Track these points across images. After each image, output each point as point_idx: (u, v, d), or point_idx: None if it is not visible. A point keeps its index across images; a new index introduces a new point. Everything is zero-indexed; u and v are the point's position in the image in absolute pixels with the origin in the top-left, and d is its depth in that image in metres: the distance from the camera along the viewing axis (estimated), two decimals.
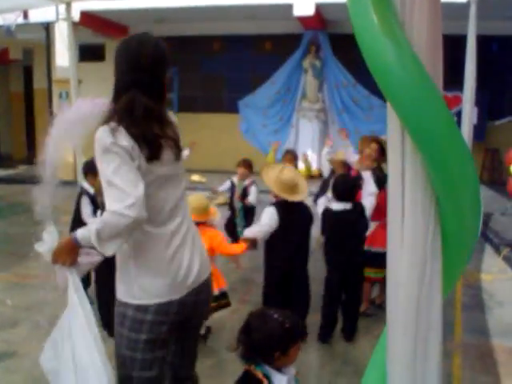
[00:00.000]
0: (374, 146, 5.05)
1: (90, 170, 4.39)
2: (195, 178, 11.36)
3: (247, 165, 6.40)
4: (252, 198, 6.18)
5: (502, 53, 11.60)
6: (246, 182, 6.29)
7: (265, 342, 2.11)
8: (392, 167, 1.66)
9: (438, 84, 1.57)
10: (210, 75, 13.18)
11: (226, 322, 4.24)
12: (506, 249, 6.23)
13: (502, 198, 9.82)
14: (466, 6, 7.00)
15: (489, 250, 6.74)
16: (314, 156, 12.25)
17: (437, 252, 1.61)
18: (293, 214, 4.00)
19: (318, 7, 10.93)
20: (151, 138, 2.02)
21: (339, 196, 4.19)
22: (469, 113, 6.49)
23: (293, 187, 3.96)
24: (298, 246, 4.02)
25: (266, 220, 3.95)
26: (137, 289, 2.10)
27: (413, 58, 1.50)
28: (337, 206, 4.21)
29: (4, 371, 3.70)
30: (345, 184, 4.25)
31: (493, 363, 3.70)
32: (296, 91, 12.70)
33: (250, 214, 6.33)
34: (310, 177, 11.43)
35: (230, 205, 6.47)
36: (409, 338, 1.64)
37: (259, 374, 2.11)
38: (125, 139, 1.95)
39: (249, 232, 3.97)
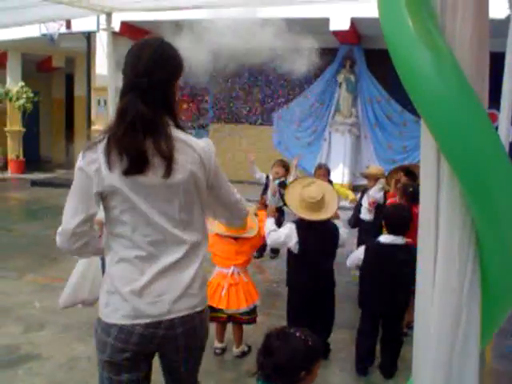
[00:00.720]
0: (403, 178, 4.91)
1: None
2: None
3: (283, 164, 6.58)
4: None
5: None
6: (282, 179, 6.44)
7: (289, 362, 2.02)
8: (424, 196, 1.44)
9: (482, 100, 1.31)
10: (245, 88, 13.33)
11: (249, 336, 4.25)
12: None
13: None
14: (504, 23, 6.91)
15: None
16: (346, 170, 12.24)
17: (475, 298, 1.36)
18: (316, 234, 3.83)
19: (354, 22, 10.97)
20: (133, 150, 1.86)
21: (391, 228, 3.78)
22: (505, 131, 6.39)
23: (315, 205, 3.76)
24: (319, 269, 3.88)
25: (282, 238, 3.87)
26: (103, 304, 2.03)
27: (454, 68, 1.23)
28: (385, 238, 3.79)
29: (26, 373, 3.77)
30: (399, 214, 3.80)
31: None
32: (330, 105, 12.73)
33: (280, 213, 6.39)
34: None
35: (261, 200, 6.55)
36: None
37: None
38: (94, 161, 1.89)
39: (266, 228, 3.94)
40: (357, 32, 11.79)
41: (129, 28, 11.94)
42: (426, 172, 1.42)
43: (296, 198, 3.86)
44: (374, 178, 5.34)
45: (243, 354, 4.06)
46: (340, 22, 10.77)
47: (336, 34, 11.46)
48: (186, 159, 1.95)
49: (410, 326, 4.56)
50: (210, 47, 11.71)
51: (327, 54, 12.34)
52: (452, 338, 1.36)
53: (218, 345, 4.09)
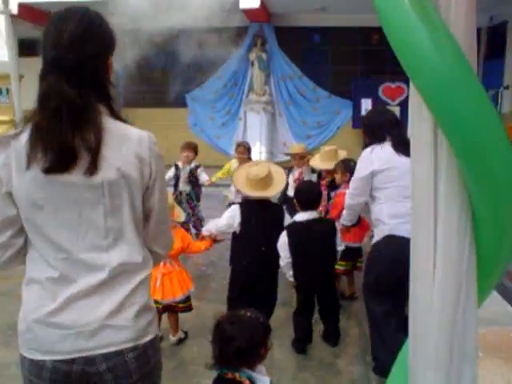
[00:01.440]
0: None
1: None
2: None
3: (191, 147, 6.28)
4: (202, 177, 6.23)
5: None
6: (192, 165, 6.25)
7: (250, 343, 2.01)
8: (418, 177, 1.41)
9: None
10: (155, 70, 13.01)
11: (183, 322, 4.20)
12: None
13: None
14: None
15: None
16: (263, 148, 12.33)
17: (472, 278, 1.41)
18: (258, 215, 3.77)
19: (263, 0, 10.97)
20: (57, 143, 1.51)
21: (303, 204, 3.77)
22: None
23: (261, 182, 3.69)
24: (262, 250, 3.79)
25: (224, 220, 3.80)
26: (18, 331, 1.67)
27: (451, 42, 1.22)
28: (302, 216, 3.78)
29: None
30: (310, 191, 3.83)
31: None
32: (243, 84, 12.72)
33: (198, 198, 6.36)
34: None
35: (175, 190, 6.30)
36: (441, 373, 1.45)
37: (246, 382, 2.00)
38: (5, 156, 1.56)
39: (206, 230, 3.90)
40: (267, 10, 11.79)
41: (28, 10, 11.29)
42: (420, 150, 1.39)
43: (243, 177, 3.82)
44: (298, 157, 5.41)
45: (180, 341, 4.01)
46: (249, 0, 10.73)
47: (246, 12, 11.41)
48: (117, 156, 1.58)
49: (346, 297, 4.78)
50: (115, 29, 11.33)
51: (238, 33, 12.32)
52: (453, 316, 1.42)
53: None
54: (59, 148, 1.50)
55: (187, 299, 3.88)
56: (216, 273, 5.16)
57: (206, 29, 12.38)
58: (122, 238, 1.63)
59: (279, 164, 6.32)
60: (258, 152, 12.26)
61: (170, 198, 3.80)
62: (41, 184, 1.54)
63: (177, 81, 12.89)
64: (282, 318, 4.31)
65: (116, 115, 1.67)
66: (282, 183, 3.86)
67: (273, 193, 3.82)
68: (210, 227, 3.90)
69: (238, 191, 4.13)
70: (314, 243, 3.70)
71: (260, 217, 3.78)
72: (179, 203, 6.16)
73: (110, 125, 1.61)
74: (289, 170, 5.83)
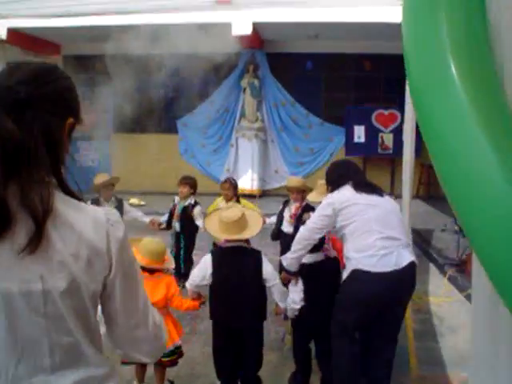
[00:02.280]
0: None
1: None
2: (133, 201, 10.95)
3: (189, 181, 5.94)
4: (198, 221, 5.71)
5: None
6: (188, 202, 5.88)
7: None
8: None
9: None
10: (146, 95, 12.84)
11: (172, 369, 3.89)
12: (450, 269, 6.26)
13: (440, 214, 10.00)
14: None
15: (433, 269, 6.77)
16: (255, 175, 12.15)
17: None
18: (231, 262, 3.46)
19: (256, 26, 10.88)
20: None
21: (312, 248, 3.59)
22: (410, 130, 6.51)
23: (234, 225, 3.40)
24: (238, 302, 3.41)
25: (196, 271, 3.53)
26: None
27: None
28: (309, 258, 3.65)
29: None
30: None
31: None
32: (235, 110, 12.58)
33: (190, 239, 5.97)
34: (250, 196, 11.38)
35: (169, 226, 5.94)
36: None
37: None
38: None
39: (188, 284, 3.60)
40: (259, 36, 11.72)
41: (17, 35, 11.11)
42: None
43: (215, 221, 3.55)
44: (295, 191, 5.19)
45: None
46: (242, 27, 10.64)
47: (238, 38, 11.32)
48: (63, 248, 1.20)
49: None
50: (106, 53, 11.21)
51: (230, 59, 12.22)
52: None
53: None
54: None
55: (172, 353, 3.54)
56: (205, 312, 4.77)
57: (198, 55, 12.32)
58: (72, 354, 1.26)
59: (271, 191, 6.13)
60: (250, 179, 12.09)
61: (160, 244, 3.48)
62: None
63: (168, 106, 12.73)
64: (273, 363, 4.09)
65: (67, 190, 1.31)
66: (258, 226, 3.53)
67: (249, 235, 3.48)
68: (188, 281, 3.59)
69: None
70: (325, 285, 3.62)
71: (233, 265, 3.46)
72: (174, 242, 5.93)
73: (58, 203, 1.22)
74: (284, 203, 5.63)
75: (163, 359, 3.44)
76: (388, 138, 12.00)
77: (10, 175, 1.16)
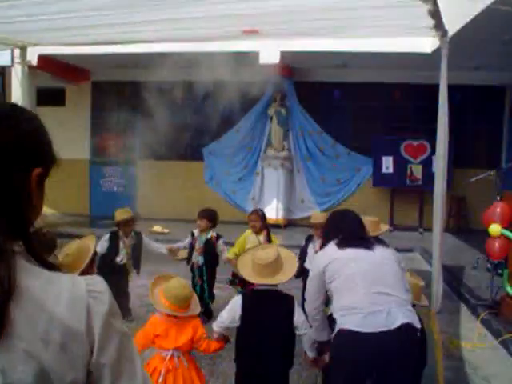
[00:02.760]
0: None
1: None
2: (157, 228, 10.87)
3: (207, 215, 5.77)
4: (224, 254, 5.63)
5: (464, 102, 11.67)
6: (210, 235, 5.74)
7: None
8: None
9: None
10: (174, 122, 12.84)
11: None
12: (483, 312, 5.94)
13: (469, 248, 9.67)
14: (433, 57, 6.95)
15: (464, 310, 6.46)
16: (280, 205, 11.97)
17: None
18: (262, 306, 3.31)
19: (284, 55, 10.83)
20: None
21: None
22: (442, 163, 6.30)
23: (268, 268, 3.26)
24: (269, 345, 3.26)
25: (225, 314, 3.36)
26: None
27: None
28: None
29: None
30: None
31: None
32: (261, 139, 12.49)
33: (212, 273, 5.81)
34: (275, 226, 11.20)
35: (189, 261, 5.80)
36: None
37: None
38: None
39: (215, 326, 3.44)
40: (287, 65, 11.66)
41: (47, 61, 11.25)
42: None
43: (248, 263, 3.40)
44: (320, 227, 5.00)
45: None
46: (270, 56, 10.60)
47: (265, 67, 11.28)
48: (29, 334, 0.96)
49: None
50: (135, 80, 11.26)
51: (258, 88, 12.18)
52: None
53: None
54: None
55: None
56: (226, 352, 4.51)
57: (225, 82, 12.32)
58: None
59: (297, 221, 5.97)
60: (275, 209, 11.91)
61: (186, 289, 3.33)
62: None
63: (194, 134, 12.70)
64: None
65: (37, 257, 1.06)
66: (293, 269, 3.42)
67: (282, 280, 3.34)
68: (215, 324, 3.44)
69: None
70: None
71: (264, 309, 3.31)
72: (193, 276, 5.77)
73: (23, 277, 0.98)
74: (307, 239, 5.46)
75: None
76: (417, 170, 11.74)
77: None
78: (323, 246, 3.35)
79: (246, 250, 3.89)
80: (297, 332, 3.32)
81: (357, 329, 2.80)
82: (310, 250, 5.19)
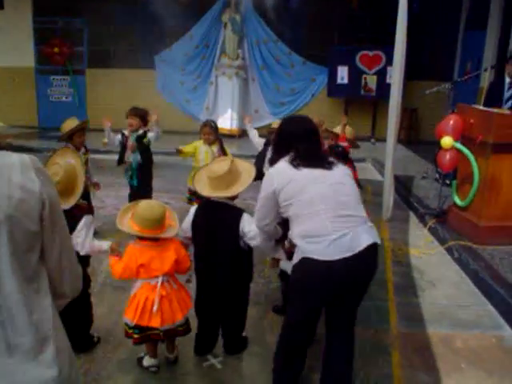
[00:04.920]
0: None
1: None
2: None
3: (141, 113, 5.60)
4: (153, 136, 5.63)
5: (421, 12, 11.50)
6: (140, 132, 5.61)
7: None
8: None
9: None
10: (123, 28, 12.21)
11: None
12: (431, 220, 6.20)
13: (419, 160, 9.92)
14: None
15: (413, 219, 6.72)
16: (235, 115, 11.84)
17: None
18: (209, 218, 3.33)
19: None
20: None
21: None
22: (399, 73, 6.24)
23: (220, 181, 3.25)
24: (216, 256, 3.32)
25: (184, 224, 3.41)
26: None
27: None
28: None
29: None
30: None
31: (431, 357, 3.59)
32: (215, 47, 12.10)
33: (145, 169, 5.72)
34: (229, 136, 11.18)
35: (120, 162, 5.71)
36: None
37: None
38: None
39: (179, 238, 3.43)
40: None
41: None
42: None
43: (204, 178, 3.37)
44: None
45: (177, 359, 3.53)
46: None
47: None
48: (3, 193, 1.37)
49: None
50: None
51: None
52: None
53: (152, 361, 3.43)
54: None
55: (187, 319, 3.36)
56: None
57: None
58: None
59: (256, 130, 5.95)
60: (230, 119, 11.80)
61: (156, 209, 3.15)
62: None
63: (145, 41, 12.16)
64: (254, 319, 4.01)
65: None
66: (249, 179, 3.34)
67: (235, 191, 3.30)
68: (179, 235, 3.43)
69: None
70: None
71: (211, 218, 3.34)
72: (130, 177, 5.71)
73: None
74: (266, 142, 5.50)
75: (179, 328, 3.29)
76: (371, 80, 11.73)
77: None
78: (273, 162, 3.03)
79: (204, 165, 3.84)
80: (245, 240, 3.29)
81: (321, 258, 2.66)
82: (269, 153, 5.20)
